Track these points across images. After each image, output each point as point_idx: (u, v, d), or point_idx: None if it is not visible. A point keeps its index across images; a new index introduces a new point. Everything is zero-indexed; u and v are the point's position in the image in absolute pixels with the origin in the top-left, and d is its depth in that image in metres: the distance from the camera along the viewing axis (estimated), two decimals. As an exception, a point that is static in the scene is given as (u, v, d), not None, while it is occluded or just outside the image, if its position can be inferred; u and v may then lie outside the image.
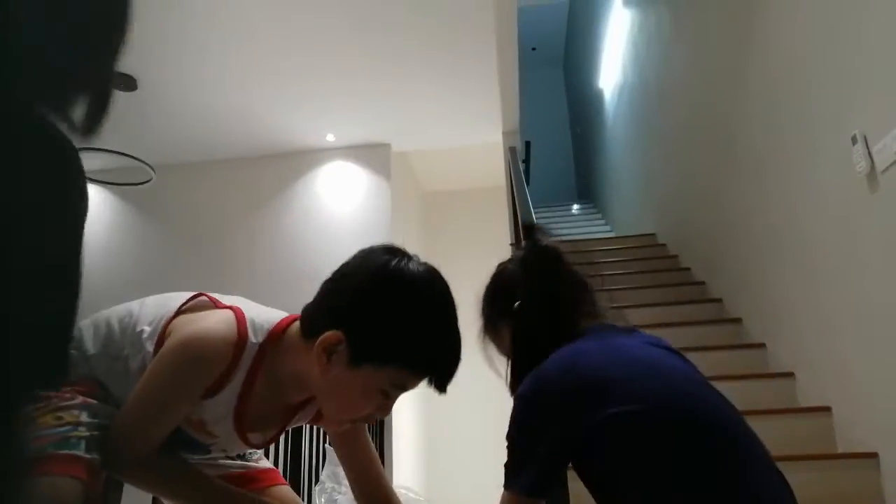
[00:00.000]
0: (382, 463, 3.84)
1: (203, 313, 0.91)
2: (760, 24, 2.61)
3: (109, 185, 5.01)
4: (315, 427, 2.90)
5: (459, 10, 3.87)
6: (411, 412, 5.36)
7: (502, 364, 1.07)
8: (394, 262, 0.86)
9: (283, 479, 1.15)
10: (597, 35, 7.55)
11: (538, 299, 1.02)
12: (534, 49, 10.74)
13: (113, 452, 0.86)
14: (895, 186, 1.75)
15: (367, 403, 0.87)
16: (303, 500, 2.56)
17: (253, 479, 1.09)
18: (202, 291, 0.97)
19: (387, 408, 0.89)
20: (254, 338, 0.88)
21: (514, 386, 1.00)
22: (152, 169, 4.50)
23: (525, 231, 1.14)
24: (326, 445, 2.67)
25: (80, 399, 0.87)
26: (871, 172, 1.84)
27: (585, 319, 1.01)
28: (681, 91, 3.92)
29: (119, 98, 4.35)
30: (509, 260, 1.15)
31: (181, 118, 4.74)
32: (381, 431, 4.32)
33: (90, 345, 0.93)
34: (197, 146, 5.15)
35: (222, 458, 1.08)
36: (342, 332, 0.83)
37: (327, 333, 0.83)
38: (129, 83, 4.23)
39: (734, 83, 2.94)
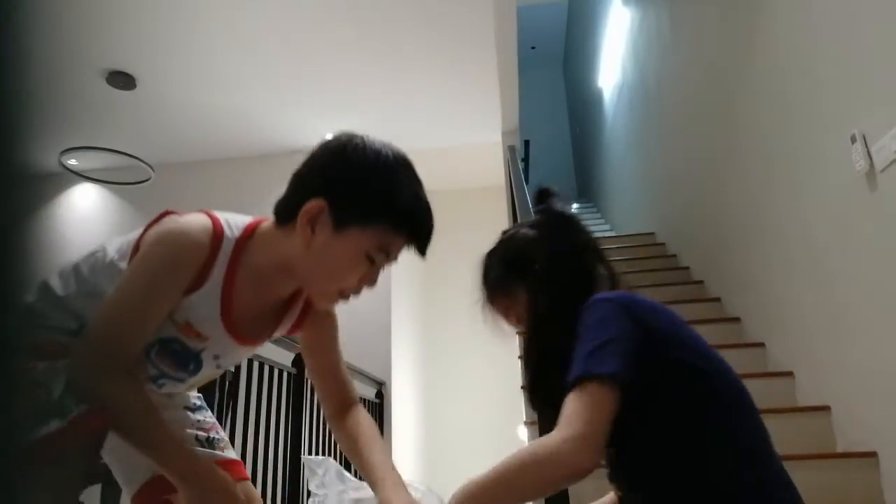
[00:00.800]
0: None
1: (174, 216, 0.91)
2: (760, 24, 2.61)
3: (108, 185, 5.01)
4: (315, 428, 2.90)
5: (459, 9, 3.87)
6: (411, 407, 5.36)
7: (500, 344, 1.09)
8: (359, 137, 0.92)
9: (246, 474, 1.14)
10: (596, 34, 7.54)
11: (561, 260, 1.01)
12: (533, 48, 10.73)
13: (86, 359, 0.83)
14: (894, 186, 1.75)
15: (355, 269, 0.89)
16: (303, 501, 2.56)
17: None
18: (168, 210, 0.95)
19: (373, 276, 0.91)
20: (230, 232, 0.90)
21: (534, 346, 0.99)
22: (151, 168, 4.50)
23: (539, 195, 1.12)
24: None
25: (43, 367, 0.83)
26: (871, 172, 1.84)
27: (603, 284, 1.02)
28: (680, 90, 3.92)
29: (118, 97, 4.35)
30: (518, 225, 1.13)
31: (180, 117, 4.74)
32: (381, 427, 4.32)
33: (60, 290, 0.90)
34: (196, 145, 5.15)
35: (192, 437, 1.06)
36: (323, 199, 0.86)
37: (309, 204, 0.86)
38: (128, 82, 4.22)
39: (734, 82, 2.94)
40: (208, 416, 1.12)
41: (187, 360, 0.95)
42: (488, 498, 0.81)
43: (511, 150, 4.33)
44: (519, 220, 2.76)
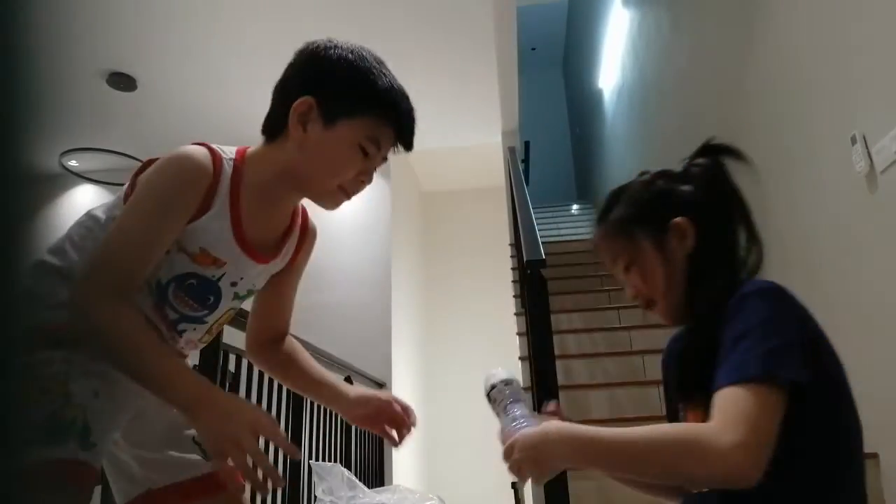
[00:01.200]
0: (381, 466, 3.85)
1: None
2: (760, 25, 2.61)
3: (108, 185, 5.01)
4: (315, 429, 2.90)
5: (458, 10, 3.87)
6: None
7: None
8: (332, 41, 0.94)
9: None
10: (596, 35, 7.55)
11: (717, 226, 0.91)
12: (533, 49, 10.73)
13: (86, 280, 0.81)
14: (894, 187, 1.75)
15: (350, 161, 0.92)
16: (304, 501, 2.55)
17: (212, 487, 1.01)
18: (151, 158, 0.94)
19: (368, 170, 0.94)
20: (226, 156, 0.92)
21: (667, 301, 0.92)
22: (151, 169, 4.49)
23: (709, 148, 0.99)
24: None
25: (59, 357, 0.82)
26: (871, 172, 1.84)
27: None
28: (680, 91, 3.92)
29: (118, 98, 4.35)
30: (665, 172, 1.00)
31: (180, 118, 4.74)
32: (380, 439, 4.31)
33: (58, 263, 0.90)
34: (196, 146, 5.14)
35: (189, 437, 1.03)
36: (310, 97, 0.89)
37: (296, 103, 0.89)
38: (129, 83, 4.23)
39: (734, 83, 2.94)
40: None
41: (206, 293, 0.95)
42: (608, 456, 0.77)
43: (511, 150, 4.34)
44: (519, 222, 2.76)
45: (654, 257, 0.92)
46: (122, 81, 4.17)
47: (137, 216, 0.86)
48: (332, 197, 0.96)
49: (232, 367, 2.01)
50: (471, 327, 6.10)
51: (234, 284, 0.97)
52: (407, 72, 4.22)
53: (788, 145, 2.40)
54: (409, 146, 0.97)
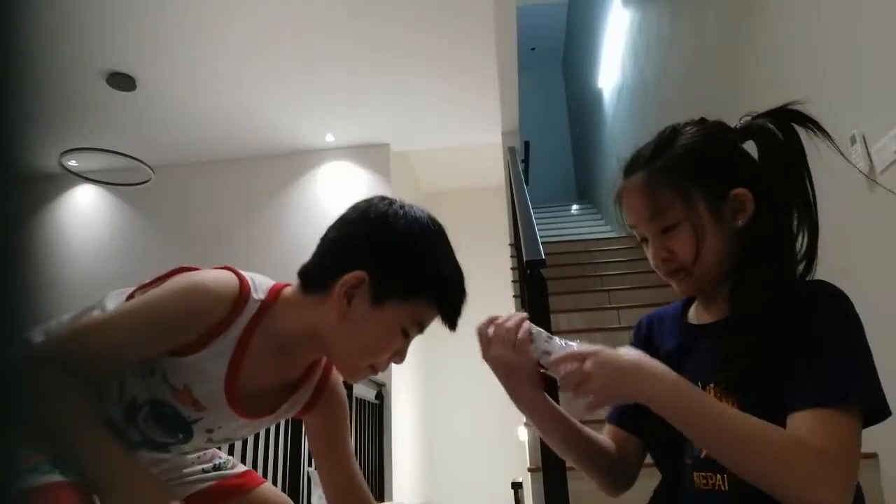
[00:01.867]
0: (382, 471, 3.84)
1: (197, 271, 0.85)
2: (760, 25, 2.61)
3: (108, 185, 5.01)
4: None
5: (458, 10, 3.87)
6: (411, 409, 5.36)
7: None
8: (396, 204, 0.87)
9: (261, 478, 1.09)
10: (596, 35, 7.55)
11: (778, 204, 0.82)
12: (533, 49, 10.74)
13: (41, 351, 0.75)
14: (894, 186, 1.75)
15: (389, 343, 0.85)
16: (304, 501, 2.56)
17: (234, 488, 1.03)
18: (183, 266, 0.87)
19: (404, 351, 0.88)
20: (255, 294, 0.84)
21: (703, 276, 0.83)
22: (151, 169, 4.50)
23: (787, 113, 0.89)
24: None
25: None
26: (871, 173, 1.84)
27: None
28: (680, 90, 3.92)
29: (118, 98, 4.35)
30: (735, 129, 0.92)
31: (180, 118, 4.74)
32: (380, 440, 4.32)
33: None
34: (196, 146, 5.15)
35: (197, 471, 1.02)
36: (364, 271, 0.81)
37: (349, 275, 0.81)
38: (128, 83, 4.23)
39: (733, 83, 2.94)
40: (211, 454, 1.07)
41: (177, 428, 0.87)
42: (698, 418, 0.70)
43: (511, 150, 4.33)
44: (519, 222, 2.75)
45: (708, 224, 0.81)
46: (122, 81, 4.18)
47: (124, 322, 0.79)
48: (359, 372, 0.89)
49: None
50: (470, 327, 6.09)
51: (209, 431, 0.89)
52: (407, 72, 4.23)
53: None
54: (453, 327, 0.89)
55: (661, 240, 0.84)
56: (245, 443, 2.14)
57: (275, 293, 0.86)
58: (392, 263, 0.83)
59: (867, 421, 0.71)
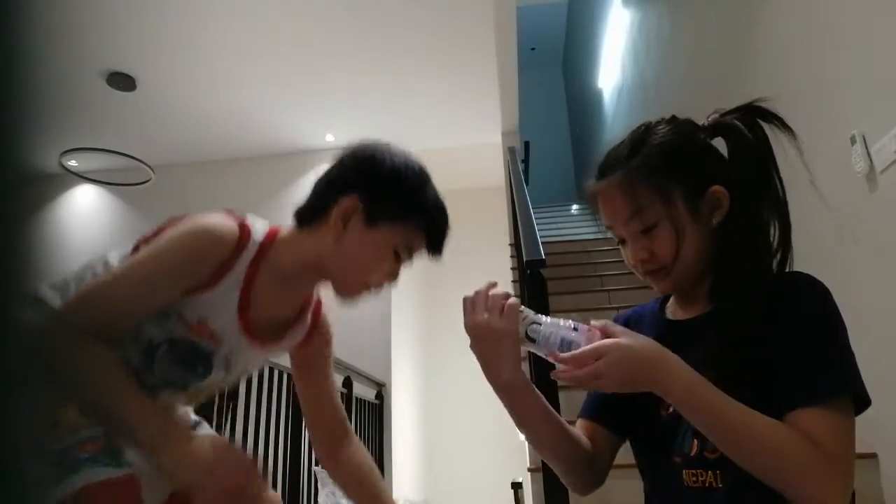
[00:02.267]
0: (382, 471, 3.87)
1: (197, 216, 0.91)
2: (760, 25, 2.61)
3: (108, 186, 5.01)
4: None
5: (459, 10, 3.87)
6: (411, 408, 5.36)
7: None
8: (386, 144, 0.98)
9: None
10: (596, 35, 7.55)
11: (751, 200, 0.83)
12: (533, 49, 10.74)
13: (65, 316, 0.79)
14: (894, 186, 1.75)
15: (382, 264, 0.94)
16: (304, 501, 2.56)
17: None
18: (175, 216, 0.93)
19: (396, 272, 0.97)
20: (255, 235, 0.91)
21: (682, 274, 0.82)
22: (151, 169, 4.50)
23: (753, 110, 0.90)
24: (316, 469, 2.67)
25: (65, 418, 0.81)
26: (871, 173, 1.84)
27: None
28: (680, 90, 3.92)
29: (118, 98, 4.35)
30: (690, 124, 0.91)
31: (180, 118, 4.74)
32: (380, 440, 4.32)
33: (61, 301, 0.86)
34: (196, 146, 5.15)
35: None
36: (357, 196, 0.90)
37: (344, 199, 0.90)
38: (128, 83, 4.23)
39: (733, 83, 2.94)
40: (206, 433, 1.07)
41: (196, 363, 0.93)
42: (711, 415, 0.70)
43: (511, 150, 4.33)
44: (519, 222, 2.75)
45: (687, 222, 0.81)
46: (122, 81, 4.18)
47: (136, 274, 0.84)
48: (357, 292, 0.96)
49: (238, 377, 2.01)
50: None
51: (227, 362, 0.95)
52: (407, 72, 4.23)
53: (788, 145, 2.39)
54: (438, 254, 1.00)
55: (641, 240, 0.83)
56: (245, 442, 2.14)
57: (273, 234, 0.94)
58: (385, 188, 0.91)
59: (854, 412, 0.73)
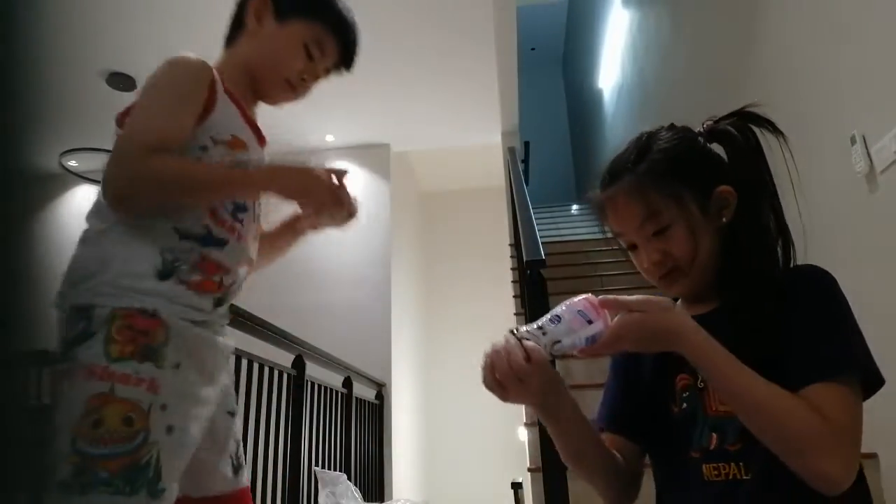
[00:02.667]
0: (381, 471, 3.83)
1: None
2: (760, 25, 2.61)
3: (108, 186, 5.00)
4: (315, 430, 2.90)
5: (459, 10, 3.87)
6: (411, 409, 5.36)
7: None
8: None
9: (251, 500, 1.12)
10: (596, 35, 7.55)
11: (753, 202, 0.86)
12: (533, 49, 10.74)
13: (122, 152, 0.90)
14: (894, 187, 1.75)
15: (295, 57, 1.04)
16: (304, 501, 2.56)
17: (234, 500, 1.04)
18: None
19: (312, 71, 1.08)
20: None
21: (698, 273, 0.83)
22: (151, 169, 4.50)
23: (746, 116, 0.92)
24: (316, 468, 2.67)
25: (146, 380, 0.82)
26: (871, 173, 1.84)
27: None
28: (680, 91, 3.92)
29: (118, 98, 4.35)
30: (687, 131, 0.91)
31: (180, 118, 4.73)
32: (380, 440, 4.32)
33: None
34: (196, 146, 5.15)
35: (227, 461, 1.03)
36: None
37: (254, 1, 1.03)
38: (128, 83, 4.23)
39: (733, 83, 2.94)
40: (238, 429, 1.09)
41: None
42: (726, 378, 0.71)
43: (511, 150, 4.33)
44: (519, 222, 2.75)
45: (699, 222, 0.83)
46: (122, 81, 4.17)
47: (156, 102, 0.93)
48: (280, 89, 1.07)
49: (232, 367, 2.01)
50: (470, 327, 6.09)
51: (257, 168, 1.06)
52: (407, 72, 4.22)
53: (788, 145, 2.39)
54: (349, 64, 1.15)
55: (654, 242, 0.84)
56: (245, 442, 2.14)
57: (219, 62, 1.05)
58: None
59: (867, 391, 0.76)
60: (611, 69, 6.61)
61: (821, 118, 2.14)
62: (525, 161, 5.91)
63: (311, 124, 4.94)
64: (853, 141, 1.90)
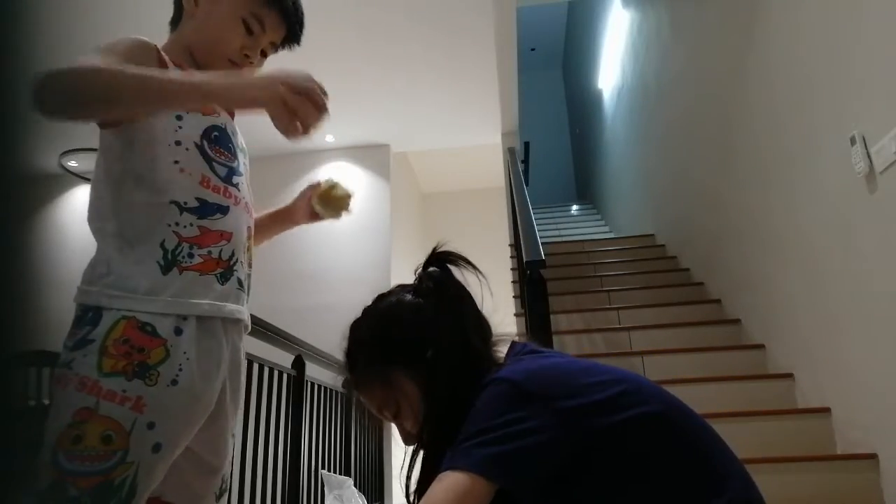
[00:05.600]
0: (381, 471, 3.80)
1: None
2: (759, 25, 2.61)
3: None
4: (315, 430, 2.90)
5: (458, 11, 3.87)
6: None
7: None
8: None
9: None
10: (596, 36, 7.55)
11: (459, 339, 0.87)
12: (533, 50, 10.74)
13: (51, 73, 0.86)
14: (894, 187, 1.75)
15: (233, 32, 1.01)
16: (304, 502, 2.55)
17: None
18: None
19: (252, 47, 1.03)
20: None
21: (429, 439, 0.84)
22: (151, 169, 4.49)
23: (435, 258, 0.94)
24: (323, 471, 2.67)
25: (132, 398, 0.81)
26: (870, 173, 1.84)
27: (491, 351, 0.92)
28: (680, 91, 3.93)
29: (118, 99, 4.34)
30: (401, 292, 0.93)
31: (180, 119, 4.73)
32: (380, 440, 4.32)
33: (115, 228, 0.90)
34: (196, 147, 5.15)
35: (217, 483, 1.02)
36: None
37: None
38: (129, 84, 4.22)
39: (733, 84, 2.94)
40: (231, 447, 1.07)
41: (227, 142, 1.02)
42: None
43: (511, 151, 4.34)
44: (519, 223, 2.76)
45: (415, 394, 0.85)
46: (122, 82, 4.17)
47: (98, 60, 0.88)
48: (225, 68, 1.03)
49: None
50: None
51: (234, 133, 1.05)
52: (407, 73, 4.21)
53: (788, 146, 2.40)
54: (294, 38, 1.08)
55: (396, 421, 0.89)
56: (245, 442, 2.14)
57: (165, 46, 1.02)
58: None
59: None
60: (610, 69, 6.61)
61: (820, 119, 2.14)
62: (525, 161, 5.91)
63: (311, 125, 4.94)
64: (853, 141, 1.91)
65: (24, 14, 0.27)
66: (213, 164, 0.97)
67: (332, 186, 1.19)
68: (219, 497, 1.02)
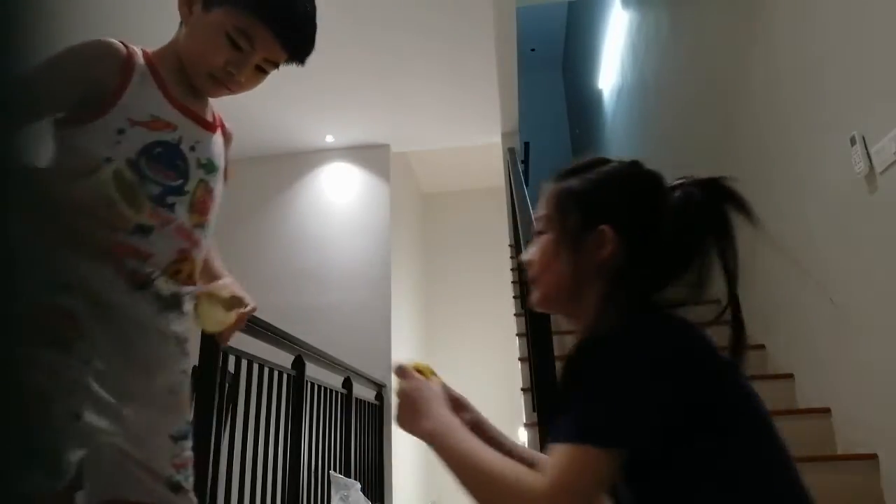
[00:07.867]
0: (381, 471, 3.83)
1: None
2: (759, 26, 2.61)
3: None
4: (316, 430, 2.90)
5: (458, 11, 3.87)
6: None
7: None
8: None
9: None
10: (596, 36, 7.55)
11: (679, 262, 0.85)
12: (533, 50, 10.74)
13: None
14: (894, 187, 1.75)
15: (217, 47, 0.97)
16: (304, 502, 2.55)
17: None
18: None
19: (238, 63, 0.99)
20: (137, 50, 1.00)
21: (545, 293, 0.85)
22: (151, 170, 4.50)
23: (717, 189, 0.92)
24: (331, 472, 2.67)
25: (75, 369, 0.84)
26: (870, 174, 1.84)
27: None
28: (680, 92, 3.92)
29: (118, 99, 4.35)
30: (674, 188, 0.88)
31: (180, 119, 4.74)
32: (380, 440, 4.31)
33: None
34: (196, 147, 5.15)
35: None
36: None
37: None
38: (129, 84, 4.23)
39: (733, 84, 2.94)
40: (188, 449, 1.01)
41: (173, 158, 0.98)
42: (446, 453, 0.81)
43: (511, 151, 4.34)
44: (519, 223, 2.75)
45: (564, 245, 0.83)
46: (122, 82, 4.18)
47: (44, 73, 0.87)
48: (206, 82, 1.01)
49: (231, 367, 2.01)
50: (470, 328, 6.09)
51: (192, 149, 1.01)
52: (407, 73, 4.22)
53: (788, 146, 2.40)
54: (299, 56, 1.08)
55: (532, 243, 0.89)
56: (245, 442, 2.14)
57: (148, 52, 1.01)
58: None
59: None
60: (611, 70, 6.61)
61: (820, 119, 2.14)
62: (525, 161, 5.91)
63: (311, 124, 4.94)
64: (853, 142, 1.90)
65: (24, 12, 0.27)
66: (146, 182, 0.94)
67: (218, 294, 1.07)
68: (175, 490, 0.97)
